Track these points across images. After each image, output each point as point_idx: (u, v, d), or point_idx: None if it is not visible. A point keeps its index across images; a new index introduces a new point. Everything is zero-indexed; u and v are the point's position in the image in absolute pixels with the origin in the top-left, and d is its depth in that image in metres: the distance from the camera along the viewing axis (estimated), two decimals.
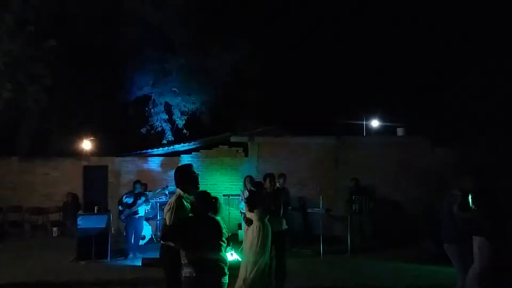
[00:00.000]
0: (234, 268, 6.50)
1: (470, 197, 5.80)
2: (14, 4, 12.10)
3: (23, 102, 12.73)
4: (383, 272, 8.87)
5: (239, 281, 6.73)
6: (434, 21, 17.73)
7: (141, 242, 11.06)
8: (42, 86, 12.66)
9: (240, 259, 7.06)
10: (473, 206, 5.69)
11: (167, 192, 11.64)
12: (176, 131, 15.85)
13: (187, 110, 15.91)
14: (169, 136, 15.65)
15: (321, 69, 20.50)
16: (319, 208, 10.27)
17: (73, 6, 13.39)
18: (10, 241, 12.27)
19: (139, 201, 10.37)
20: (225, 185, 13.41)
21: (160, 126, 15.66)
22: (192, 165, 5.06)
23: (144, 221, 10.93)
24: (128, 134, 15.81)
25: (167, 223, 4.60)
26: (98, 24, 13.85)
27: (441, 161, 12.41)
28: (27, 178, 13.82)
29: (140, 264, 9.33)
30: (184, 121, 15.78)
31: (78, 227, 9.84)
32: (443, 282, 7.73)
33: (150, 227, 11.76)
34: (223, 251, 4.44)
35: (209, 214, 4.47)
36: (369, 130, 22.73)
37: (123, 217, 10.43)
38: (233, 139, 14.00)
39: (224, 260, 4.39)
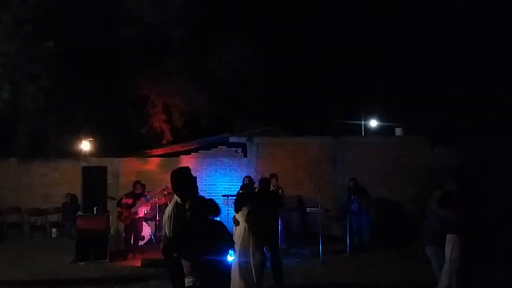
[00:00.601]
0: None
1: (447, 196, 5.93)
2: (12, 4, 12.10)
3: (21, 103, 12.73)
4: (382, 272, 8.87)
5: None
6: (433, 20, 17.75)
7: (141, 243, 11.05)
8: (40, 86, 12.66)
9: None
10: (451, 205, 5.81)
11: (166, 193, 11.64)
12: (175, 131, 15.85)
13: (186, 110, 15.91)
14: (168, 136, 15.65)
15: (319, 69, 20.53)
16: (318, 208, 10.27)
17: (71, 6, 13.39)
18: (9, 242, 12.27)
19: (139, 202, 10.37)
20: (224, 185, 13.40)
21: (159, 127, 15.66)
22: (189, 168, 4.87)
23: (143, 222, 10.93)
24: (127, 135, 15.81)
25: (167, 233, 4.47)
26: (97, 24, 13.85)
27: (440, 161, 12.43)
28: (26, 179, 13.79)
29: (140, 265, 9.34)
30: (183, 122, 15.78)
31: (77, 228, 9.85)
32: None
33: (150, 227, 11.76)
34: (226, 256, 4.32)
35: (209, 217, 4.30)
36: (368, 130, 22.77)
37: (122, 218, 10.42)
38: (231, 139, 14.01)
39: (227, 266, 4.27)
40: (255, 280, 6.68)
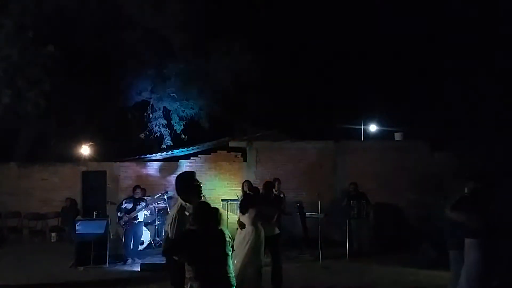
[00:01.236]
0: None
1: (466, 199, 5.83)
2: (13, 10, 12.13)
3: (21, 108, 12.73)
4: (382, 277, 8.86)
5: None
6: (433, 26, 17.77)
7: (140, 248, 11.05)
8: (40, 91, 12.66)
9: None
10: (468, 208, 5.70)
11: (166, 197, 11.65)
12: (174, 136, 15.84)
13: (185, 115, 15.92)
14: (168, 141, 15.63)
15: (319, 74, 20.56)
16: (318, 212, 10.27)
17: (72, 11, 13.41)
18: (8, 247, 12.25)
19: (139, 207, 10.38)
20: (223, 190, 13.40)
21: (159, 131, 15.65)
22: (194, 173, 4.87)
23: (143, 226, 10.93)
24: (127, 139, 15.80)
25: (170, 236, 4.47)
26: (97, 29, 13.86)
27: (440, 165, 12.45)
28: (26, 184, 13.79)
29: (139, 270, 9.33)
30: (182, 126, 15.77)
31: (76, 232, 9.86)
32: (442, 286, 7.72)
33: (149, 232, 11.76)
34: (229, 262, 4.28)
35: (211, 225, 4.27)
36: (367, 134, 22.78)
37: (122, 223, 10.42)
38: (231, 144, 14.03)
39: (230, 272, 4.21)
40: (258, 284, 6.66)
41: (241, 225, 6.99)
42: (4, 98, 12.04)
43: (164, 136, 15.63)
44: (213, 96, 15.73)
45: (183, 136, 15.71)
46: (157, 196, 11.45)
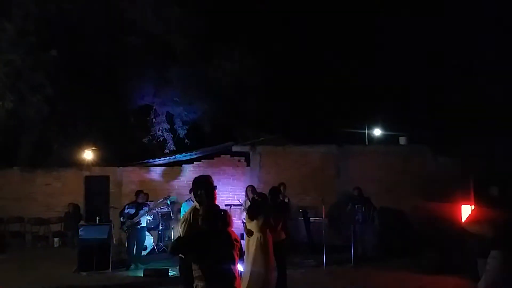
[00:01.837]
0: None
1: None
2: (15, 15, 12.17)
3: (24, 112, 12.76)
4: (386, 282, 8.80)
5: None
6: (437, 30, 17.75)
7: (143, 253, 11.01)
8: (43, 96, 12.70)
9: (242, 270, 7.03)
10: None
11: (168, 202, 11.61)
12: (177, 140, 15.84)
13: (188, 119, 15.92)
14: (171, 145, 15.64)
15: (322, 78, 20.54)
16: (321, 217, 10.21)
17: (74, 16, 13.45)
18: (11, 252, 12.24)
19: (142, 212, 10.34)
20: (227, 194, 13.35)
21: (162, 136, 15.65)
22: (209, 176, 4.88)
23: (146, 232, 10.89)
24: (130, 144, 15.80)
25: (181, 235, 4.58)
26: (100, 34, 13.90)
27: (444, 170, 12.36)
28: (29, 189, 13.80)
29: (142, 275, 9.29)
30: (185, 131, 15.78)
31: (79, 237, 9.84)
32: None
33: (152, 237, 11.71)
34: (236, 264, 4.31)
35: (220, 226, 4.31)
36: (371, 139, 22.73)
37: (125, 228, 10.39)
38: (234, 148, 13.99)
39: (235, 275, 4.24)
40: None
41: (249, 233, 6.88)
42: (7, 103, 12.07)
43: (167, 141, 15.64)
44: (216, 101, 15.74)
45: (186, 141, 15.71)
46: (159, 201, 11.40)
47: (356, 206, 11.24)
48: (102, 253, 9.68)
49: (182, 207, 9.92)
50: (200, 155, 14.82)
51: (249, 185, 10.88)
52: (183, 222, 4.60)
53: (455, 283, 6.56)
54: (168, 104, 15.69)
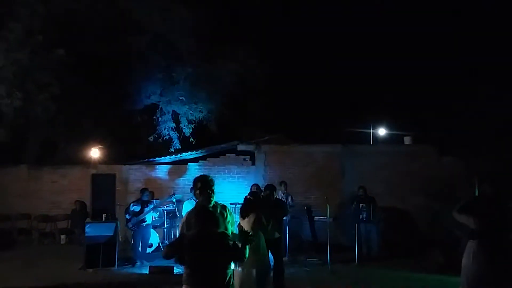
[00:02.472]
0: None
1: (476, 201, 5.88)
2: (22, 14, 12.25)
3: (31, 111, 12.85)
4: (390, 282, 8.81)
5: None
6: (443, 29, 17.74)
7: (149, 250, 11.07)
8: (50, 94, 12.79)
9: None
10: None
11: (174, 200, 11.67)
12: (183, 139, 15.90)
13: (194, 118, 15.98)
14: (177, 144, 15.70)
15: (327, 77, 20.57)
16: (326, 216, 10.23)
17: (81, 16, 13.54)
18: (18, 249, 12.31)
19: (147, 209, 10.41)
20: (232, 193, 13.39)
21: (168, 135, 15.72)
22: (207, 176, 4.84)
23: (151, 229, 10.96)
24: (136, 142, 15.89)
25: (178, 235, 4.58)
26: (106, 33, 13.98)
27: (448, 170, 12.38)
28: (36, 186, 13.87)
29: (147, 272, 9.35)
30: (191, 130, 15.84)
31: (86, 235, 9.89)
32: None
33: (158, 235, 11.77)
34: (226, 266, 4.20)
35: (207, 228, 4.18)
36: (376, 138, 22.69)
37: (130, 225, 10.46)
38: (240, 147, 14.03)
39: (224, 276, 4.13)
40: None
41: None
42: (14, 101, 12.16)
43: (173, 139, 15.71)
44: (221, 100, 15.79)
45: (192, 139, 15.77)
46: (164, 200, 11.48)
47: (360, 205, 11.22)
48: (108, 250, 9.75)
49: (184, 206, 10.01)
50: (205, 153, 14.88)
51: (253, 184, 10.92)
52: (181, 222, 4.58)
53: (459, 283, 6.58)
54: (174, 103, 15.75)
